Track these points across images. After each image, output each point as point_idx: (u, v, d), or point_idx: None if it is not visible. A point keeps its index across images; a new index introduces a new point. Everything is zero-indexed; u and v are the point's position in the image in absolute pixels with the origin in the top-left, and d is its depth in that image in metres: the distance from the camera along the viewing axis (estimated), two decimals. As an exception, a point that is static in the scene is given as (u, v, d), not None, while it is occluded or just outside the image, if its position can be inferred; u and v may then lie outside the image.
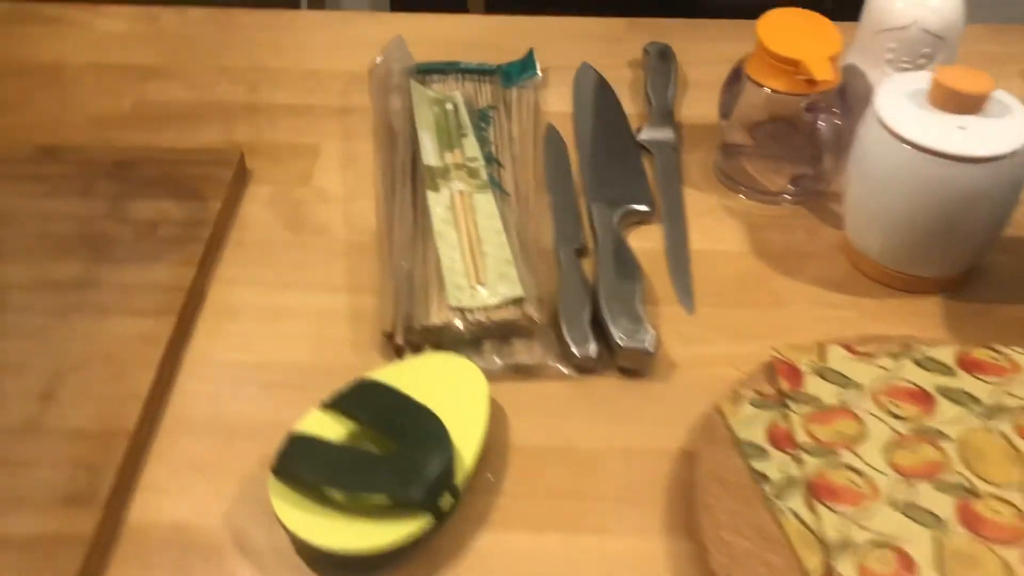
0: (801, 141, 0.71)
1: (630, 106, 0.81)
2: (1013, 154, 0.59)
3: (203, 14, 0.92)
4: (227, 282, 0.66)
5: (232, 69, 0.85)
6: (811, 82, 0.67)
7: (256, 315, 0.64)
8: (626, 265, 0.65)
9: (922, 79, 0.63)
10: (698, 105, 0.82)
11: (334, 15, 0.94)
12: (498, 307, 0.61)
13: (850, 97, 0.70)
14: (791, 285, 0.67)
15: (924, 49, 0.69)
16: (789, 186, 0.72)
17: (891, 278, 0.66)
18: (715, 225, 0.71)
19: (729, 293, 0.66)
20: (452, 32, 0.90)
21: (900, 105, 0.62)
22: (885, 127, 0.61)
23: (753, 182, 0.73)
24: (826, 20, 0.69)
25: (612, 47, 0.88)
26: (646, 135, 0.77)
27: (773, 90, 0.68)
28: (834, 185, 0.71)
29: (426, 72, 0.82)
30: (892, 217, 0.64)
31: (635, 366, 0.60)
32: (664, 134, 0.77)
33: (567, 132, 0.79)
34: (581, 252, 0.67)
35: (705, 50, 0.87)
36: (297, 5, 1.99)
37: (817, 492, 0.51)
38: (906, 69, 0.70)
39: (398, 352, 0.60)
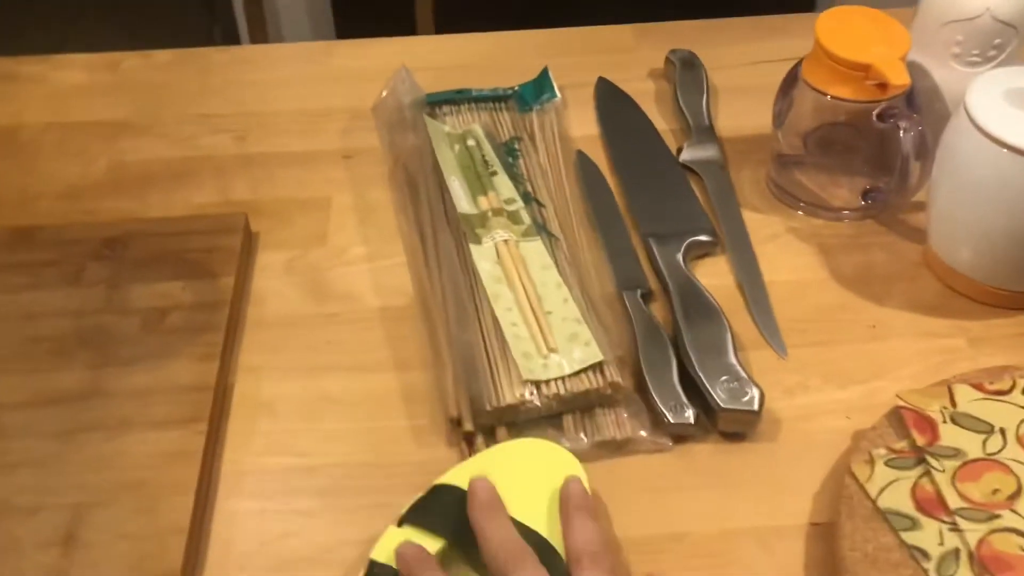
0: (870, 150, 0.64)
1: (660, 122, 0.74)
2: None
3: (170, 56, 0.83)
4: (254, 372, 0.58)
5: (214, 116, 0.76)
6: (882, 87, 0.60)
7: (294, 408, 0.56)
8: (705, 308, 0.58)
9: (1018, 76, 0.57)
10: (735, 115, 0.75)
11: (316, 46, 0.85)
12: (576, 375, 0.53)
13: (918, 95, 0.64)
14: (883, 313, 0.60)
15: (996, 40, 0.63)
16: (861, 200, 0.65)
17: (992, 296, 0.60)
18: (783, 251, 0.64)
19: (818, 328, 0.59)
20: (435, 56, 0.81)
21: (995, 106, 0.56)
22: (981, 131, 0.55)
23: (813, 197, 0.67)
24: (888, 17, 0.63)
25: (623, 57, 0.81)
26: (689, 155, 0.70)
27: (837, 98, 0.62)
28: (912, 196, 0.65)
29: (435, 104, 0.73)
30: (990, 229, 0.58)
31: (739, 429, 0.53)
32: (709, 152, 0.70)
33: (598, 158, 0.71)
34: (648, 296, 0.60)
35: (727, 54, 0.80)
36: (238, 40, 1.89)
37: (987, 565, 0.44)
38: (976, 63, 0.64)
39: (467, 439, 0.53)
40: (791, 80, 0.65)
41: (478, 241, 0.61)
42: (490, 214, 0.63)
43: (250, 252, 0.64)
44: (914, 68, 0.66)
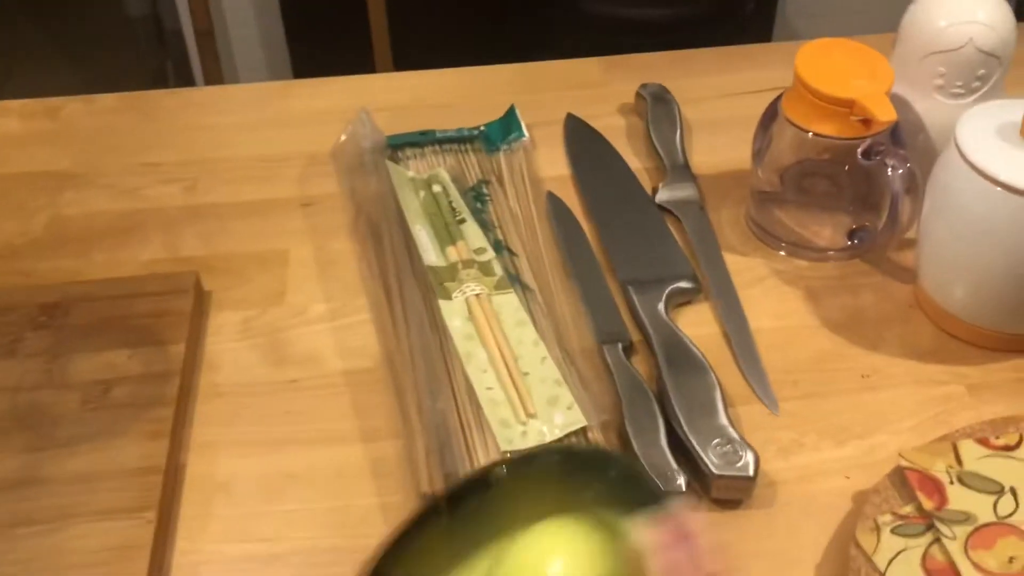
0: (855, 188, 0.62)
1: (634, 160, 0.71)
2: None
3: (115, 101, 0.78)
4: (208, 449, 0.53)
5: (162, 165, 0.72)
6: (866, 122, 0.57)
7: (253, 488, 0.51)
8: (691, 362, 0.55)
9: (1008, 109, 0.54)
10: (710, 151, 0.72)
11: (271, 87, 0.81)
12: (558, 442, 0.50)
13: (903, 130, 0.61)
14: (876, 360, 0.57)
15: (980, 71, 0.61)
16: (847, 240, 0.62)
17: (989, 339, 0.57)
18: (769, 295, 0.61)
19: (809, 379, 0.56)
20: (395, 94, 0.77)
21: (987, 141, 0.53)
22: (974, 167, 0.52)
23: (796, 236, 0.64)
24: (869, 49, 0.60)
25: (591, 92, 0.78)
26: (666, 195, 0.67)
27: (819, 135, 0.59)
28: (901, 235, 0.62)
29: (397, 147, 0.70)
30: (984, 268, 0.55)
31: (734, 496, 0.50)
32: (686, 191, 0.67)
33: (570, 199, 0.68)
34: (629, 349, 0.57)
35: (698, 86, 0.77)
36: (191, 78, 1.84)
37: (1009, 644, 0.41)
38: (959, 95, 0.61)
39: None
40: (770, 115, 0.62)
41: (447, 296, 0.57)
42: (460, 266, 0.59)
43: (202, 313, 0.60)
44: (896, 101, 0.63)
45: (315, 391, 0.56)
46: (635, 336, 0.58)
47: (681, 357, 0.55)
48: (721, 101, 0.77)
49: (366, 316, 0.60)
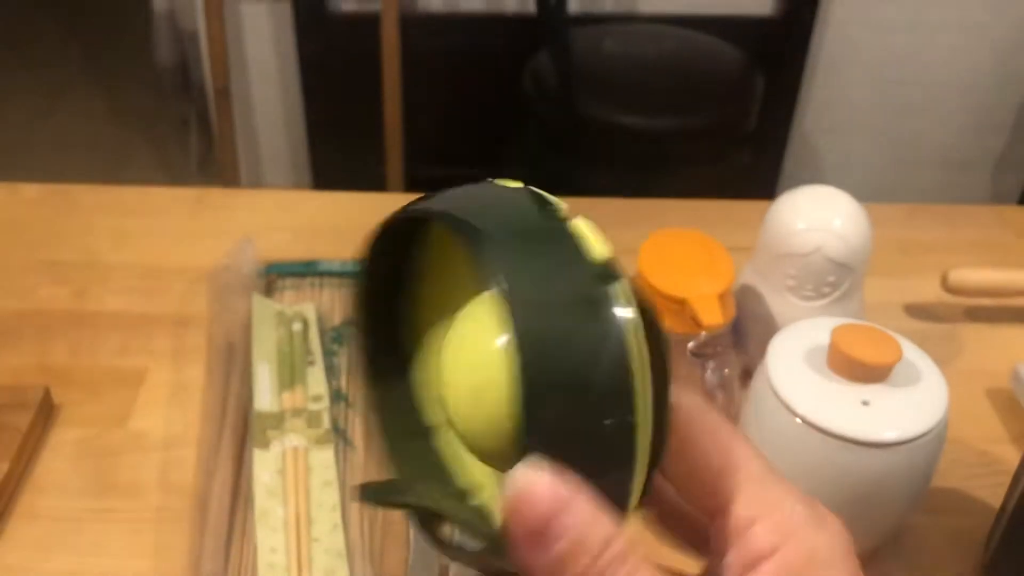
0: (690, 381, 0.62)
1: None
2: (926, 434, 0.50)
3: (37, 192, 0.82)
4: (9, 572, 0.55)
5: (60, 265, 0.75)
6: (698, 322, 0.58)
7: (33, 622, 0.53)
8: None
9: (823, 331, 0.54)
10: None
11: (189, 193, 0.84)
12: (322, 619, 0.51)
13: (745, 327, 0.62)
14: (680, 561, 0.57)
15: (829, 278, 0.61)
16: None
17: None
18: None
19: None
20: (316, 214, 0.80)
21: (795, 369, 0.53)
22: (778, 397, 0.52)
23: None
24: (717, 245, 0.61)
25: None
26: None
27: (659, 325, 0.59)
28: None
29: (281, 274, 0.72)
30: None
31: None
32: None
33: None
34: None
35: (612, 236, 0.78)
36: (214, 164, 1.90)
37: None
38: (810, 298, 0.62)
39: None
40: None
41: (265, 446, 0.58)
42: (288, 414, 0.60)
43: (45, 428, 0.62)
44: (750, 293, 0.64)
45: (127, 524, 0.58)
46: (450, 504, 0.58)
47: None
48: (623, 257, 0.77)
49: (195, 451, 0.61)
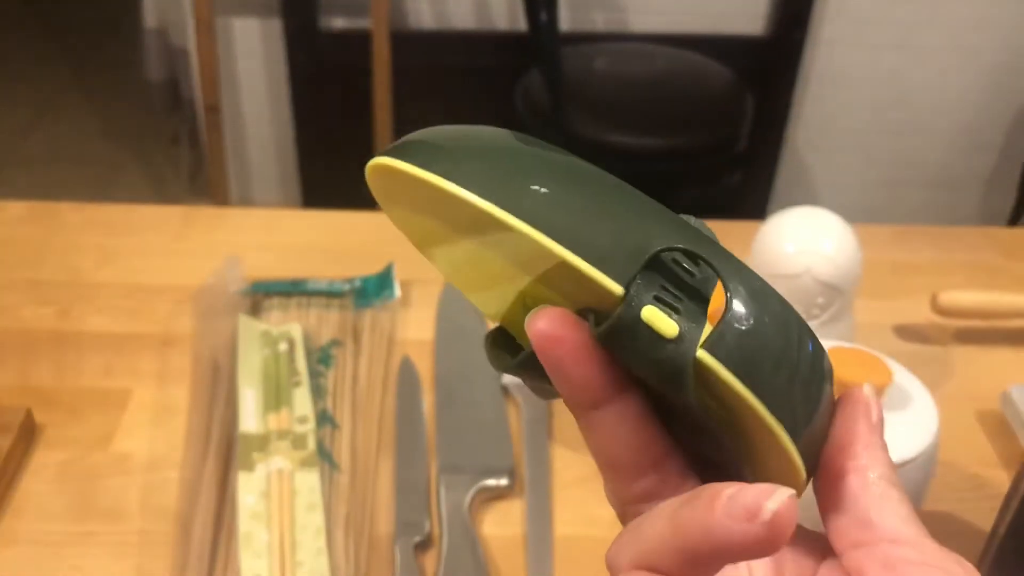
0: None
1: (500, 332, 0.72)
2: (916, 458, 0.50)
3: (23, 210, 0.81)
4: (-18, 598, 0.54)
5: (45, 284, 0.74)
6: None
7: (11, 648, 0.52)
8: (474, 566, 0.54)
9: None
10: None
11: (174, 211, 0.83)
12: (306, 646, 0.50)
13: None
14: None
15: (819, 299, 0.61)
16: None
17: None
18: (586, 499, 0.61)
19: (596, 598, 0.56)
20: (305, 232, 0.80)
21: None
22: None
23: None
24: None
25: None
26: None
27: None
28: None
29: (267, 293, 0.71)
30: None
31: None
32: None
33: (426, 366, 0.69)
34: (425, 544, 0.57)
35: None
36: (205, 179, 1.90)
37: None
38: (799, 319, 0.61)
39: None
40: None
41: (250, 468, 0.58)
42: (274, 436, 0.60)
43: (27, 450, 0.61)
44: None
45: (108, 547, 0.57)
46: (437, 530, 0.58)
47: (465, 560, 0.55)
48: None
49: (178, 474, 0.60)
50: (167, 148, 2.25)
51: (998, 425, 0.65)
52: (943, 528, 0.59)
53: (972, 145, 1.90)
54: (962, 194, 1.97)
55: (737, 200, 1.77)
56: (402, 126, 1.60)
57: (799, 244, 0.61)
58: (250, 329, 0.67)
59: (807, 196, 1.98)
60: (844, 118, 1.89)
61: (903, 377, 0.53)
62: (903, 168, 1.92)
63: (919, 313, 0.72)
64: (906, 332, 0.72)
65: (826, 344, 0.53)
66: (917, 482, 0.51)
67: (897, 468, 0.49)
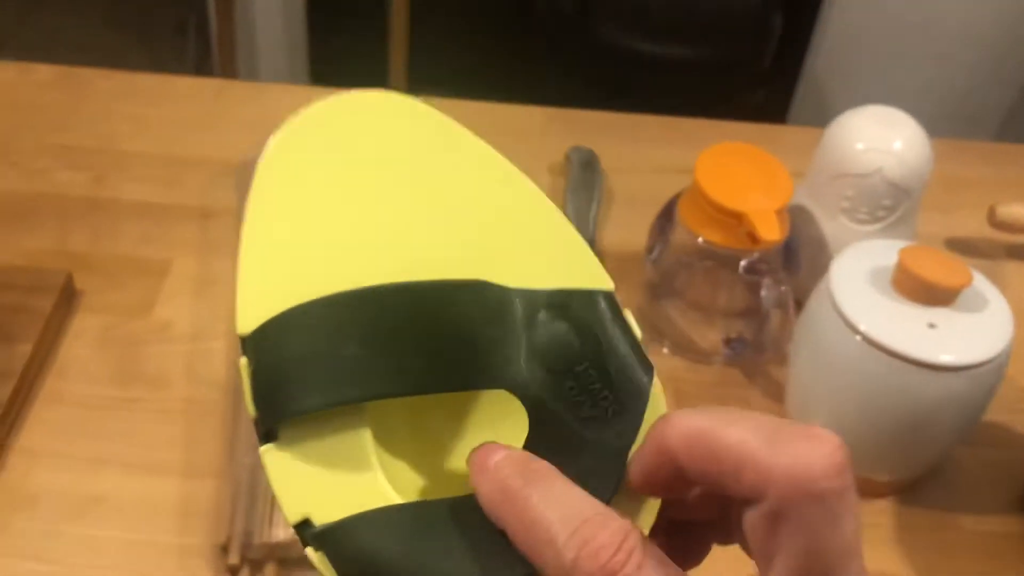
0: (738, 298, 0.60)
1: (546, 223, 0.70)
2: (991, 360, 0.49)
3: (50, 74, 0.78)
4: (29, 457, 0.53)
5: (76, 150, 0.71)
6: (754, 238, 0.56)
7: (59, 506, 0.51)
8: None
9: (888, 252, 0.52)
10: (623, 229, 0.71)
11: (207, 83, 0.80)
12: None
13: (797, 248, 0.60)
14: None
15: (885, 201, 0.59)
16: (723, 348, 0.61)
17: (837, 478, 0.56)
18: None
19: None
20: None
21: (859, 288, 0.52)
22: (841, 315, 0.51)
23: (680, 336, 0.63)
24: (774, 161, 0.59)
25: (528, 144, 0.77)
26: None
27: (708, 242, 0.58)
28: (773, 353, 0.61)
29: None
30: (844, 412, 0.54)
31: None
32: (582, 268, 0.66)
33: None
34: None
35: (633, 155, 0.76)
36: (210, 71, 1.84)
37: None
38: (864, 221, 0.60)
39: (232, 572, 0.48)
40: (668, 212, 0.61)
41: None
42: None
43: (67, 314, 0.60)
44: (803, 214, 0.62)
45: (154, 414, 0.56)
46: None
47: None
48: (652, 176, 0.75)
49: (225, 344, 0.59)
50: (172, 38, 2.18)
51: (1049, 340, 0.65)
52: (996, 437, 0.59)
53: (996, 78, 1.87)
54: (981, 127, 1.95)
55: (754, 119, 1.74)
56: (419, 27, 1.56)
57: (870, 143, 0.59)
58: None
59: (825, 119, 1.95)
60: (868, 41, 1.85)
61: (980, 281, 0.52)
62: (923, 98, 1.89)
63: (972, 227, 0.71)
64: (959, 246, 0.71)
65: (902, 244, 0.52)
66: (986, 386, 0.51)
67: (970, 371, 0.49)
